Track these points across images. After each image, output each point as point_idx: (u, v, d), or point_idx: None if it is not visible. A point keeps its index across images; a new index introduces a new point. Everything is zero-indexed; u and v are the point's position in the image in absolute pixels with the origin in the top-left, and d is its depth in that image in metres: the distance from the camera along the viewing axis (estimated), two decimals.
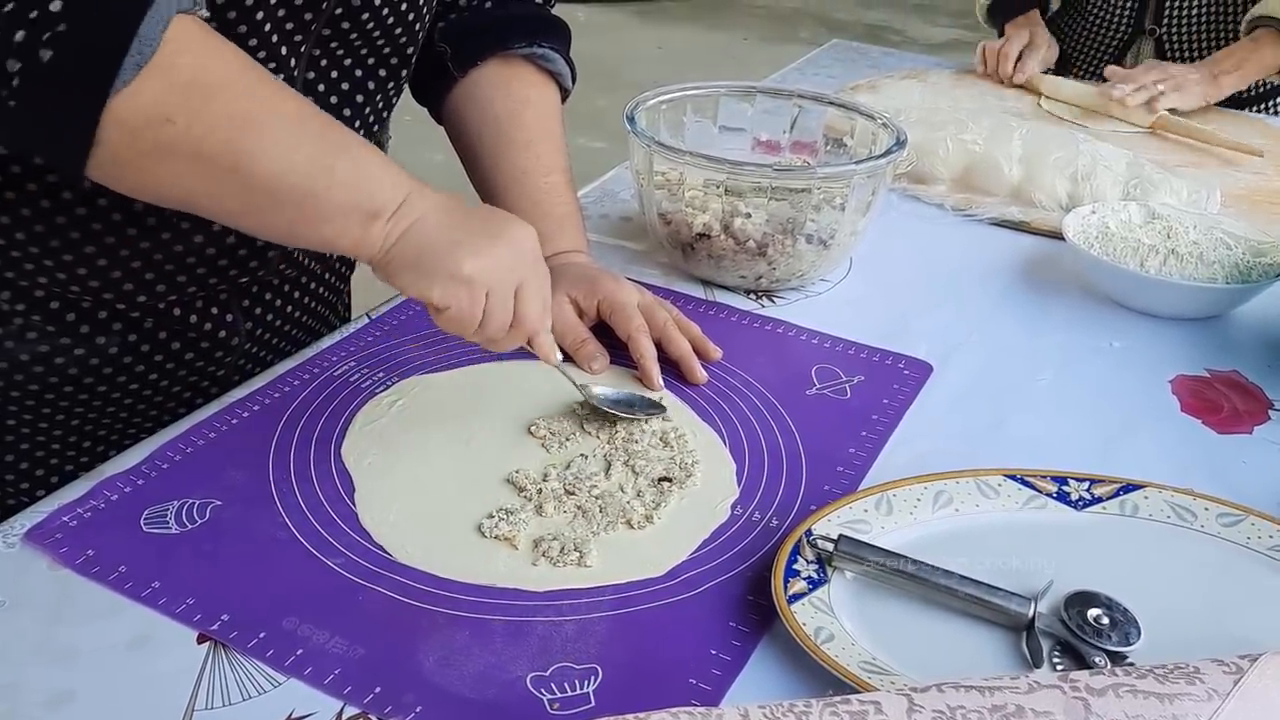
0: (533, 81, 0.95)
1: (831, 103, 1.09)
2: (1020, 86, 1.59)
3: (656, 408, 0.80)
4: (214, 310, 0.85)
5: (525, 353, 0.82)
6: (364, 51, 0.82)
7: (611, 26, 5.28)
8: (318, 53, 0.78)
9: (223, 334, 0.86)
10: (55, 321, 0.79)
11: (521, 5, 0.96)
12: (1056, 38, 1.70)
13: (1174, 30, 1.60)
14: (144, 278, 0.79)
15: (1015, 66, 1.58)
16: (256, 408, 0.79)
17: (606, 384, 0.81)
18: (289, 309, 0.92)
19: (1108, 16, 1.65)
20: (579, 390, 0.79)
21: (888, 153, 0.96)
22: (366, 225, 0.67)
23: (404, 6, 0.81)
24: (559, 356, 0.77)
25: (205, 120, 0.62)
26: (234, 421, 0.77)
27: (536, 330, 0.74)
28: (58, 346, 0.80)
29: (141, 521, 0.67)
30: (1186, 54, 1.61)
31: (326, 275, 0.95)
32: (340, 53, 0.80)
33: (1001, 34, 1.68)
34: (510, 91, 0.94)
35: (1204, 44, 1.60)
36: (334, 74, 0.80)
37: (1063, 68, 1.71)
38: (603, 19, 5.36)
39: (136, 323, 0.82)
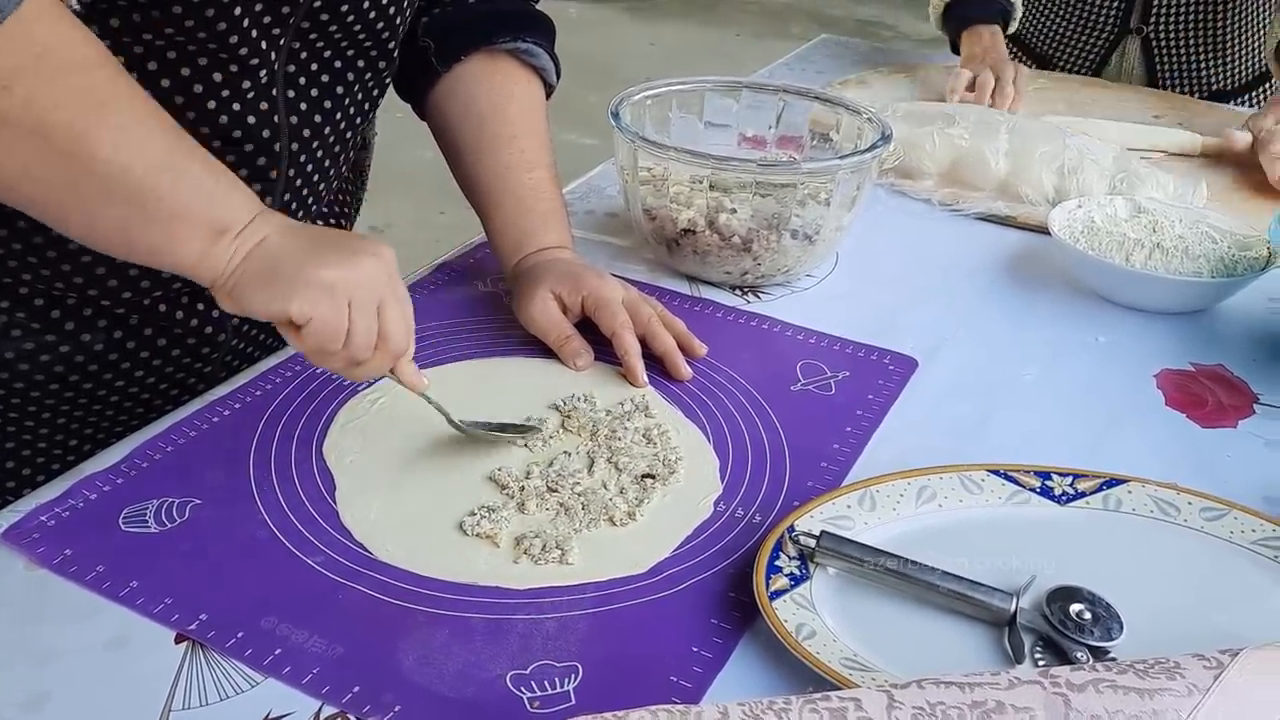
0: (517, 77, 0.95)
1: (817, 98, 1.08)
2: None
3: (531, 430, 0.76)
4: (200, 307, 0.85)
5: (507, 350, 0.82)
6: (344, 44, 0.81)
7: (603, 23, 5.28)
8: (297, 45, 0.78)
9: (209, 330, 0.86)
10: (41, 319, 0.78)
11: (506, 0, 0.95)
12: (1036, 40, 1.69)
13: (1161, 29, 1.59)
14: (128, 273, 0.78)
15: (994, 98, 1.41)
16: (237, 406, 0.78)
17: (482, 413, 0.77)
18: None
19: (1093, 16, 1.62)
20: (450, 422, 0.75)
21: (873, 147, 0.96)
22: (212, 239, 0.64)
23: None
24: (426, 383, 0.74)
25: (49, 95, 0.59)
26: (214, 420, 0.77)
27: (402, 350, 0.70)
28: (43, 344, 0.79)
29: (120, 521, 0.67)
30: (1174, 54, 1.60)
31: None
32: (320, 45, 0.79)
33: (954, 46, 1.58)
34: (494, 86, 0.94)
35: (1192, 43, 1.59)
36: (314, 66, 0.80)
37: (1044, 65, 1.69)
38: (594, 15, 5.35)
39: (123, 320, 0.81)
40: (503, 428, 0.76)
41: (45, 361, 0.80)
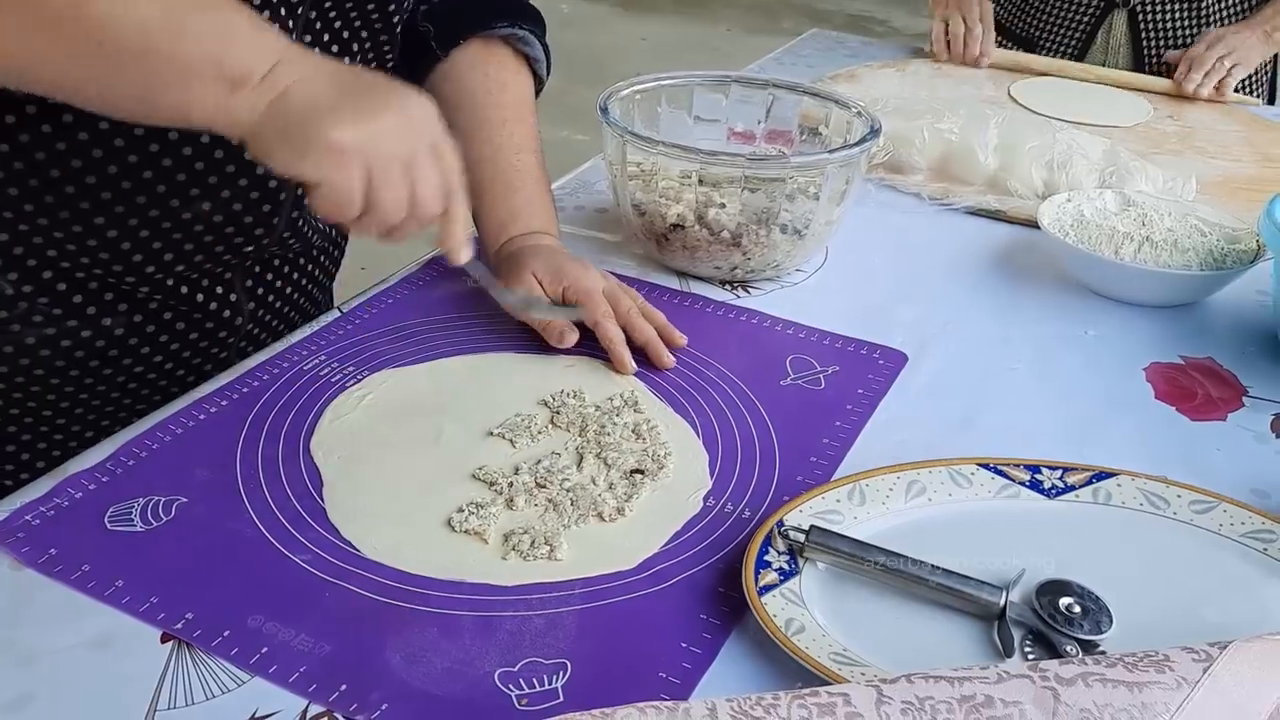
0: (510, 66, 0.97)
1: (806, 92, 1.08)
2: (996, 66, 1.59)
3: (574, 309, 0.81)
4: (218, 290, 0.86)
5: (496, 346, 0.81)
6: (346, 35, 0.82)
7: (595, 19, 5.27)
8: (308, 39, 0.79)
9: (227, 314, 0.87)
10: (62, 304, 0.79)
11: None
12: (1018, 24, 1.69)
13: (1148, 2, 1.59)
14: (152, 247, 0.79)
15: (965, 55, 1.57)
16: (224, 403, 0.78)
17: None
18: (288, 290, 0.92)
19: None
20: (497, 294, 0.77)
21: (862, 141, 0.96)
22: (228, 92, 0.61)
23: None
24: (471, 253, 0.71)
25: None
26: (201, 417, 0.76)
27: (432, 213, 0.66)
28: (64, 329, 0.80)
29: (105, 519, 0.66)
30: (1161, 27, 1.60)
31: (327, 249, 0.96)
32: (327, 38, 0.81)
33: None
34: (488, 72, 0.96)
35: (1179, 16, 1.59)
36: (316, 51, 0.80)
37: (1029, 49, 1.70)
38: (586, 11, 5.34)
39: (142, 303, 0.82)
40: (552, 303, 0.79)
41: (65, 347, 0.80)
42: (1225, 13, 1.60)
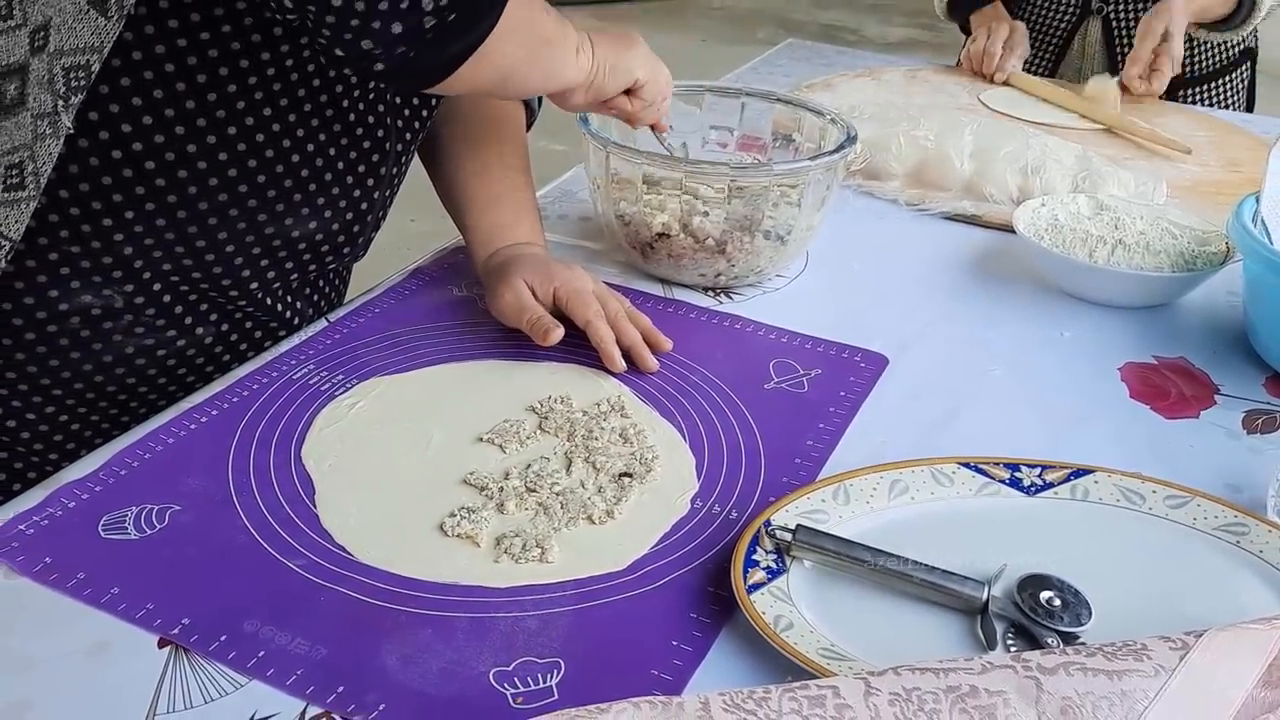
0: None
1: (779, 99, 1.10)
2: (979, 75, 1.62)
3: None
4: (289, 298, 0.90)
5: (483, 354, 0.82)
6: None
7: None
8: None
9: (296, 321, 0.92)
10: (165, 315, 0.83)
11: None
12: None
13: (1120, 10, 1.62)
14: (260, 264, 0.84)
15: (1000, 63, 1.60)
16: (215, 412, 0.78)
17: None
18: (330, 294, 0.98)
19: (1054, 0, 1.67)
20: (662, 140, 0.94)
21: (840, 147, 0.97)
22: (575, 55, 0.82)
23: None
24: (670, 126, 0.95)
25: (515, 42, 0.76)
26: (192, 426, 0.77)
27: (668, 95, 0.92)
28: (162, 339, 0.83)
29: (100, 528, 0.67)
30: (1133, 34, 1.63)
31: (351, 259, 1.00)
32: None
33: (965, 29, 1.70)
34: (478, 101, 0.99)
35: None
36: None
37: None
38: None
39: (231, 313, 0.87)
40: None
41: (160, 355, 0.84)
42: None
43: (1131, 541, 0.69)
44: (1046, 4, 1.69)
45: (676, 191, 0.99)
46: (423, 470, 0.74)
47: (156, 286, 0.81)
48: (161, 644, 0.59)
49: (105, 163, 0.76)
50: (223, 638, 0.60)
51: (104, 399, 0.84)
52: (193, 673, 0.58)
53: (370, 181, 0.88)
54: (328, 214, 0.86)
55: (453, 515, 0.69)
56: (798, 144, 1.07)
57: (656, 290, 1.00)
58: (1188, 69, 1.64)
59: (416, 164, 0.99)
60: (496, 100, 0.99)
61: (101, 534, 0.66)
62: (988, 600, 0.62)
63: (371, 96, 0.85)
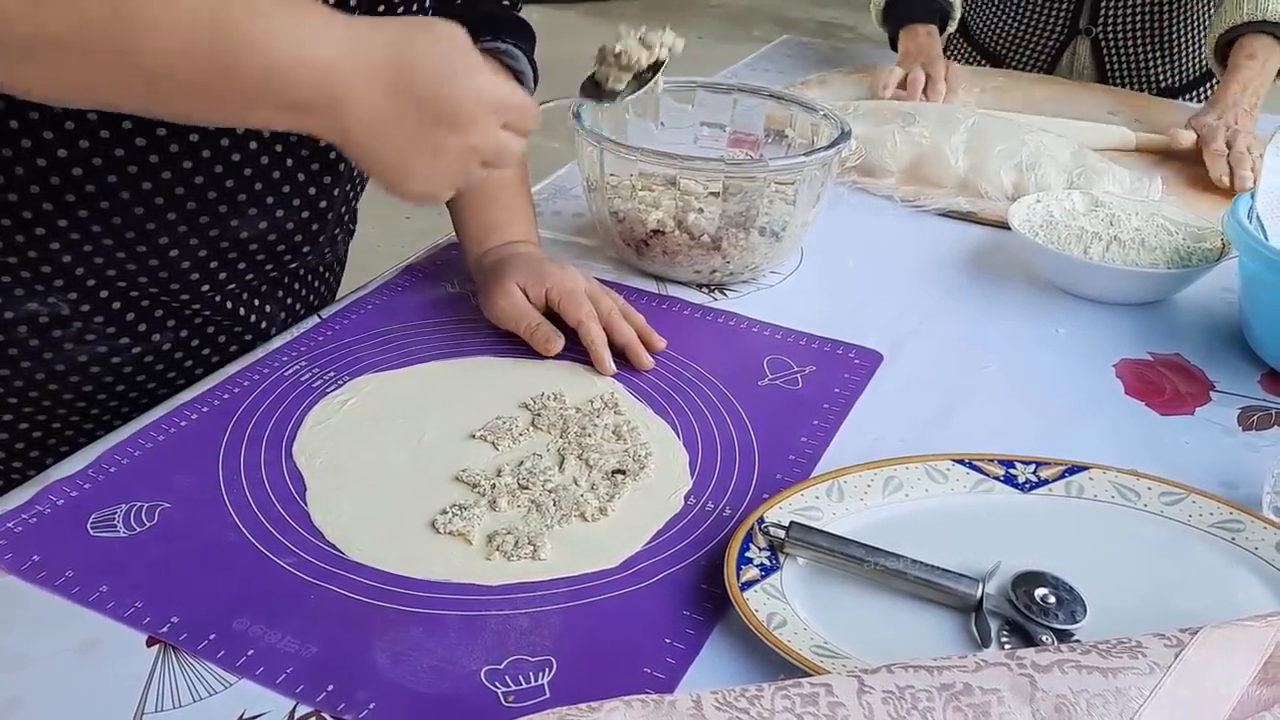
0: None
1: (771, 95, 1.09)
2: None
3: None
4: (255, 302, 0.89)
5: (476, 350, 0.81)
6: None
7: (565, 27, 5.26)
8: None
9: (263, 325, 0.90)
10: (116, 322, 0.81)
11: (490, 3, 0.97)
12: (989, 40, 1.71)
13: (1110, 30, 1.62)
14: (209, 266, 0.82)
15: (927, 93, 1.46)
16: (206, 409, 0.78)
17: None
18: (311, 298, 0.96)
19: (1043, 17, 1.64)
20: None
21: (835, 143, 0.97)
22: (295, 116, 0.61)
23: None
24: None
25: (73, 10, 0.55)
26: (182, 424, 0.76)
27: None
28: (115, 347, 0.82)
29: (89, 525, 0.66)
30: (1123, 53, 1.62)
31: (336, 264, 0.99)
32: None
33: (894, 43, 1.61)
34: None
35: (1140, 43, 1.61)
36: None
37: (997, 65, 1.71)
38: (556, 20, 5.34)
39: (189, 319, 0.85)
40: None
41: (116, 363, 0.83)
42: (1186, 39, 1.62)
43: (1126, 538, 0.69)
44: (1032, 22, 1.66)
45: (670, 188, 0.99)
46: (414, 467, 0.74)
47: (104, 294, 0.80)
48: (150, 642, 0.59)
49: (31, 171, 0.74)
50: (212, 636, 0.59)
51: (62, 407, 0.82)
52: (181, 671, 0.57)
53: (327, 179, 0.85)
54: (279, 213, 0.83)
55: (444, 513, 0.69)
56: (790, 140, 1.07)
57: (651, 287, 0.99)
58: (1175, 79, 1.64)
59: None
60: None
61: (90, 531, 0.66)
62: (982, 598, 0.62)
63: None
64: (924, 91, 1.44)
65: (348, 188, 0.89)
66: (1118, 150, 1.35)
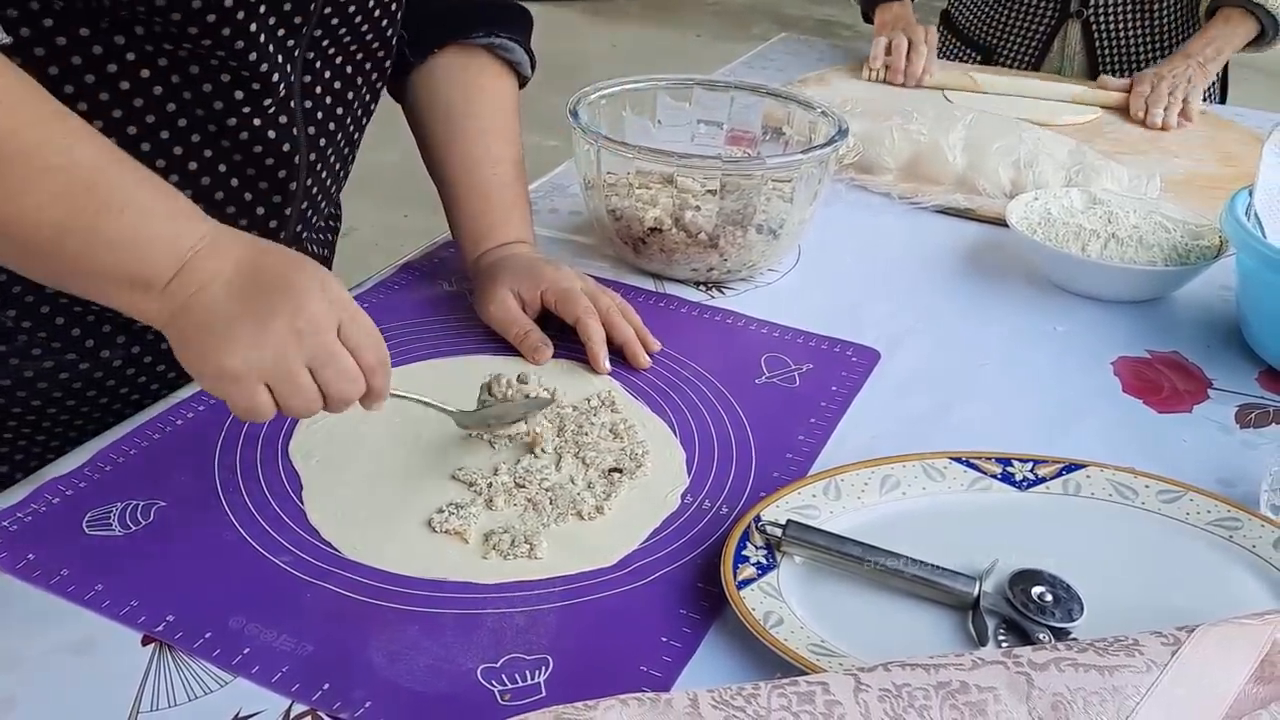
0: (490, 71, 0.96)
1: (768, 93, 1.09)
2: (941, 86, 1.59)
3: (539, 403, 0.73)
4: None
5: (473, 349, 0.81)
6: (354, 48, 0.82)
7: (565, 25, 5.27)
8: (311, 55, 0.78)
9: None
10: (61, 338, 0.78)
11: None
12: (977, 31, 1.71)
13: (1100, 12, 1.62)
14: None
15: (907, 71, 1.55)
16: (201, 408, 0.78)
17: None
18: None
19: (1034, 2, 1.66)
20: (446, 412, 0.73)
21: (832, 141, 0.97)
22: (137, 295, 0.60)
23: None
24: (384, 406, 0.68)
25: None
26: (178, 422, 0.76)
27: (349, 400, 0.64)
28: (62, 362, 0.79)
29: (84, 524, 0.66)
30: (1114, 37, 1.62)
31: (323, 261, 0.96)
32: (332, 51, 0.80)
33: (867, 16, 1.68)
34: (466, 80, 0.94)
35: (1131, 26, 1.62)
36: (327, 74, 0.80)
37: (987, 58, 1.72)
38: (556, 17, 5.34)
39: (139, 334, 0.82)
40: (500, 405, 0.72)
41: (64, 379, 0.80)
42: (1177, 23, 1.63)
43: (1124, 536, 0.69)
44: (1022, 8, 1.67)
45: (668, 186, 0.98)
46: (411, 466, 0.73)
47: (44, 309, 0.77)
48: (145, 641, 0.59)
49: None
50: (207, 634, 0.59)
51: (12, 419, 0.81)
52: (177, 670, 0.57)
53: (277, 198, 0.81)
54: (230, 209, 0.79)
55: (441, 511, 0.69)
56: (788, 137, 1.07)
57: (648, 285, 0.99)
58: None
59: (410, 159, 0.97)
60: (478, 82, 0.94)
61: (86, 530, 0.66)
62: (979, 596, 0.62)
63: (271, 109, 0.75)
64: (908, 56, 1.54)
65: (304, 205, 0.84)
66: (1077, 122, 1.43)
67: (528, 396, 0.74)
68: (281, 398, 0.62)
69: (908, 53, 1.54)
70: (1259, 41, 1.52)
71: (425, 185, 0.98)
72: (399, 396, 0.69)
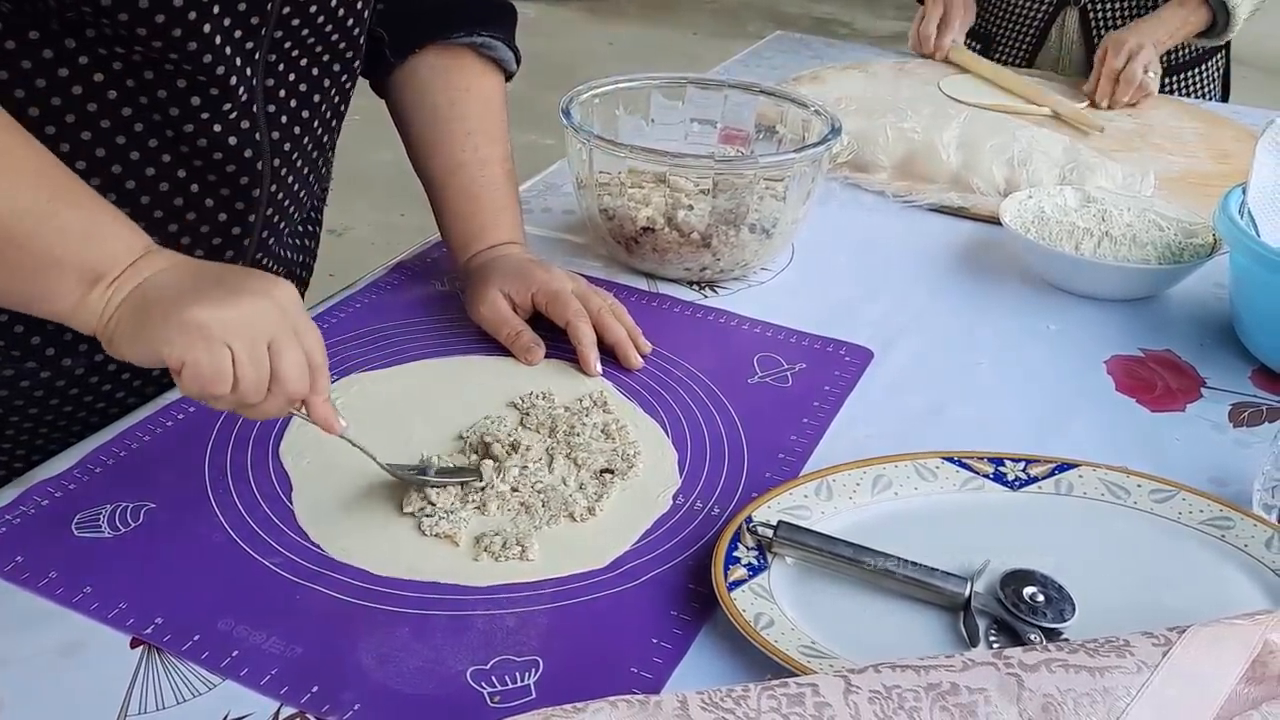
0: (474, 70, 0.94)
1: (762, 91, 1.09)
2: (950, 63, 1.61)
3: (467, 473, 0.71)
4: None
5: (464, 349, 0.81)
6: (319, 49, 0.80)
7: (562, 23, 5.26)
8: (273, 58, 0.76)
9: None
10: (20, 346, 0.77)
11: None
12: (978, 16, 1.72)
13: (1098, 1, 1.62)
14: None
15: (935, 44, 1.62)
16: (192, 409, 0.77)
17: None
18: None
19: None
20: (377, 463, 0.70)
21: (824, 139, 0.97)
22: (85, 287, 0.60)
23: None
24: (343, 425, 0.68)
25: None
26: (168, 424, 0.76)
27: (299, 393, 0.64)
28: (22, 371, 0.78)
29: (73, 526, 0.66)
30: (1111, 24, 1.62)
31: (301, 265, 0.94)
32: (295, 53, 0.78)
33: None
34: (450, 81, 0.93)
35: (1128, 14, 1.62)
36: (291, 76, 0.78)
37: (986, 46, 1.72)
38: (553, 16, 5.34)
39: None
40: (440, 471, 0.71)
41: (25, 387, 0.78)
42: None
43: (1116, 536, 0.69)
44: None
45: (660, 185, 0.98)
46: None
47: (2, 318, 0.75)
48: (134, 644, 0.59)
49: None
50: (196, 637, 0.59)
51: None
52: (165, 673, 0.57)
53: (240, 204, 0.79)
54: (190, 216, 0.77)
55: (430, 515, 0.68)
56: (781, 136, 1.06)
57: (641, 284, 0.99)
58: (1164, 60, 1.64)
59: (406, 157, 0.97)
60: (463, 83, 0.93)
61: (74, 532, 0.66)
62: (970, 596, 0.62)
63: (231, 114, 0.74)
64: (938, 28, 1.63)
65: (269, 212, 0.81)
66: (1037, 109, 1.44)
67: (460, 471, 0.72)
68: (239, 363, 0.60)
69: (938, 22, 1.62)
70: (1209, 33, 1.53)
71: (420, 183, 0.98)
72: (348, 440, 0.69)
